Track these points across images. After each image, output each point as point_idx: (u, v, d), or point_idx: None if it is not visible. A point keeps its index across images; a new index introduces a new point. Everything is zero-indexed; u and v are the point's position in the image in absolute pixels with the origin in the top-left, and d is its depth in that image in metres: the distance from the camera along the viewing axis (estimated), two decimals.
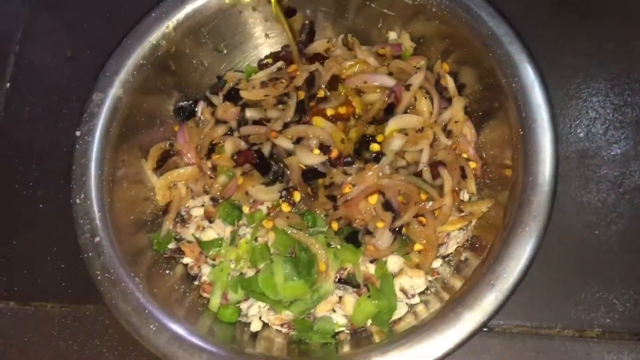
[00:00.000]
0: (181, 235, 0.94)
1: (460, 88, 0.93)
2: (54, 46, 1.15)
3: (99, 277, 0.83)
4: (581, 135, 0.98)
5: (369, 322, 0.87)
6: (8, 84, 1.14)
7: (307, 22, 0.99)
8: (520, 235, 0.76)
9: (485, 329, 0.89)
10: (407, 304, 0.86)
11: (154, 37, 0.93)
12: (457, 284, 0.84)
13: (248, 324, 0.89)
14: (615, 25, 1.02)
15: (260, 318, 0.89)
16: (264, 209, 0.90)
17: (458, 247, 0.89)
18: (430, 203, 0.84)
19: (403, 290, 0.86)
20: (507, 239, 0.77)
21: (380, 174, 0.83)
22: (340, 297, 0.87)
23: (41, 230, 1.05)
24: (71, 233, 0.85)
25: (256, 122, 0.93)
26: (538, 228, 0.76)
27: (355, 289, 0.87)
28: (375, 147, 0.85)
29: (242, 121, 0.94)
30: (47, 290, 1.03)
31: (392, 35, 0.98)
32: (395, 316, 0.85)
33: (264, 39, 1.02)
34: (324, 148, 0.87)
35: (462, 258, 0.88)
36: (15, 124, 1.12)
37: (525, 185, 0.78)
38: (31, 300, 1.02)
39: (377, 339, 0.83)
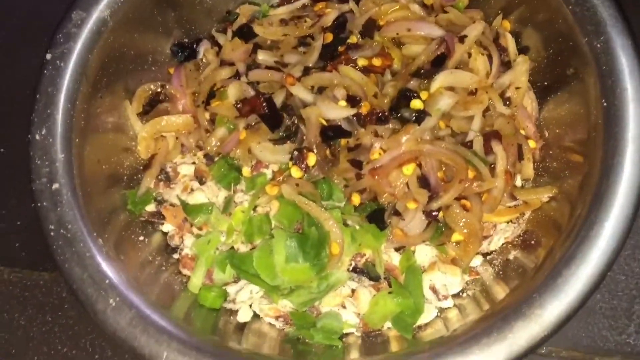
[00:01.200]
0: (163, 197, 0.78)
1: (522, 52, 0.77)
2: None
3: (52, 233, 0.66)
4: None
5: (388, 324, 0.69)
6: None
7: None
8: (596, 232, 0.60)
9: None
10: (436, 307, 0.69)
11: None
12: (499, 290, 0.67)
13: (235, 312, 0.72)
14: None
15: (250, 306, 0.72)
16: (268, 172, 0.73)
17: (505, 243, 0.72)
18: (478, 183, 0.67)
19: (433, 289, 0.69)
20: (579, 236, 0.60)
21: (420, 139, 0.66)
22: (353, 290, 0.71)
23: None
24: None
25: (270, 68, 0.76)
26: (621, 223, 0.59)
27: (373, 282, 0.70)
28: (417, 104, 0.68)
29: (253, 65, 0.77)
30: None
31: None
32: (421, 321, 0.69)
33: None
34: (353, 101, 0.70)
35: (510, 257, 0.71)
36: None
37: (607, 170, 0.61)
38: None
39: (395, 347, 0.67)
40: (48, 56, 0.72)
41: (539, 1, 0.72)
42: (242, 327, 0.71)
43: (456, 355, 0.58)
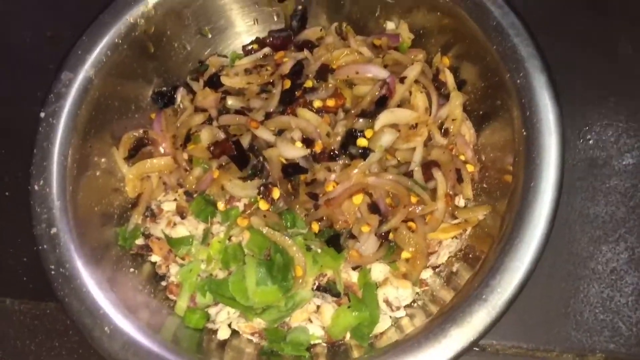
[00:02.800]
0: (150, 231, 0.87)
1: (460, 85, 0.86)
2: (33, 25, 1.08)
3: (53, 272, 0.75)
4: (591, 142, 0.90)
5: (348, 335, 0.79)
6: None
7: (299, 7, 0.92)
8: (517, 246, 0.68)
9: (476, 349, 0.82)
10: (390, 317, 0.79)
11: (132, 14, 0.85)
12: (448, 297, 0.76)
13: (216, 332, 0.81)
14: (634, 26, 0.94)
15: (229, 325, 0.81)
16: (240, 205, 0.82)
17: (450, 257, 0.82)
18: (421, 207, 0.77)
19: (387, 302, 0.78)
20: (504, 250, 0.69)
21: (368, 171, 0.76)
22: (318, 307, 0.80)
23: (5, 219, 0.98)
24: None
25: (238, 112, 0.85)
26: (538, 238, 0.68)
27: (335, 298, 0.79)
28: (362, 142, 0.77)
29: (223, 110, 0.87)
30: (6, 285, 0.96)
31: (390, 25, 0.90)
32: (377, 330, 0.78)
33: (253, 24, 0.95)
34: (308, 141, 0.79)
35: (454, 269, 0.80)
36: None
37: (526, 192, 0.70)
38: None
39: (355, 354, 0.76)
40: (42, 114, 0.81)
41: (470, 41, 0.81)
42: (223, 345, 0.80)
43: (406, 355, 0.67)
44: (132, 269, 0.84)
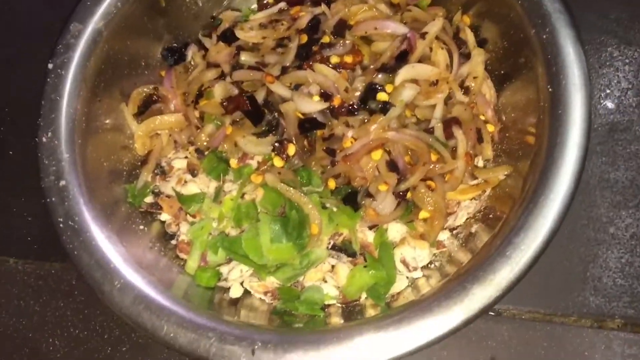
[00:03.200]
0: (160, 189, 0.85)
1: (481, 44, 0.83)
2: None
3: (61, 225, 0.73)
4: (611, 107, 0.88)
5: (364, 295, 0.77)
6: None
7: None
8: (542, 203, 0.66)
9: (492, 313, 0.80)
10: (407, 277, 0.77)
11: None
12: (465, 259, 0.74)
13: (228, 290, 0.79)
14: None
15: (241, 284, 0.79)
16: (253, 163, 0.80)
17: (469, 218, 0.80)
18: (441, 165, 0.75)
19: (404, 262, 0.76)
20: (527, 208, 0.67)
21: (387, 127, 0.74)
22: (333, 266, 0.78)
23: (9, 178, 0.96)
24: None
25: (252, 68, 0.83)
26: (563, 196, 0.66)
27: (350, 258, 0.77)
28: (383, 96, 0.75)
29: (236, 66, 0.84)
30: (10, 245, 0.94)
31: None
32: (394, 290, 0.76)
33: None
34: (326, 96, 0.77)
35: (473, 231, 0.78)
36: None
37: (552, 149, 0.68)
38: None
39: (370, 313, 0.74)
40: (50, 65, 0.79)
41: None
42: (235, 302, 0.78)
43: (420, 317, 0.65)
44: (141, 227, 0.82)
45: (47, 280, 0.91)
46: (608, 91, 0.88)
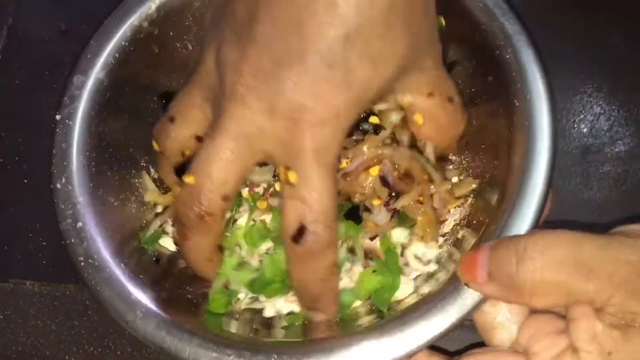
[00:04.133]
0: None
1: (451, 66, 0.91)
2: (48, 19, 1.14)
3: (82, 264, 0.79)
4: (585, 130, 0.96)
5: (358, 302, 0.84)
6: None
7: None
8: (519, 204, 0.73)
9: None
10: (422, 272, 0.85)
11: (136, 18, 0.89)
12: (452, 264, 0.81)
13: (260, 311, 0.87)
14: (624, 19, 1.02)
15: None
16: (260, 190, 0.87)
17: (455, 225, 0.87)
18: (432, 186, 0.82)
19: (417, 258, 0.83)
20: (506, 211, 0.74)
21: (381, 144, 0.81)
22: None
23: (24, 206, 1.04)
24: (54, 211, 0.82)
25: None
26: (538, 194, 0.73)
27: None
28: (374, 119, 0.82)
29: None
30: (26, 268, 1.01)
31: None
32: (398, 297, 0.83)
33: None
34: None
35: (459, 236, 0.85)
36: (4, 97, 1.11)
37: (523, 155, 0.76)
38: (9, 277, 1.01)
39: (365, 319, 0.81)
40: (58, 117, 0.85)
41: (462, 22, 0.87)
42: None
43: (418, 319, 0.72)
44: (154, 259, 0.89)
45: (62, 301, 0.98)
46: (581, 116, 0.97)
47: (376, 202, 0.81)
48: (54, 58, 1.11)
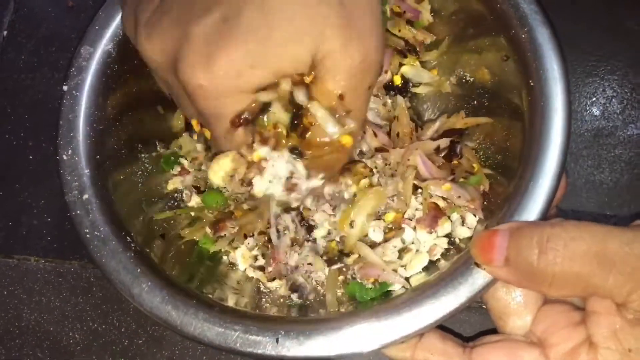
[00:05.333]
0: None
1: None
2: None
3: (87, 236, 0.78)
4: (597, 113, 0.96)
5: None
6: (5, 32, 1.12)
7: None
8: (533, 183, 0.72)
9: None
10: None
11: None
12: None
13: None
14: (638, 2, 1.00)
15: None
16: None
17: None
18: None
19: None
20: (519, 190, 0.73)
21: None
22: None
23: (29, 182, 1.03)
24: (60, 187, 0.81)
25: None
26: (553, 173, 0.72)
27: None
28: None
29: None
30: (31, 244, 1.01)
31: None
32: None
33: None
34: None
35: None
36: (10, 73, 1.10)
37: (537, 133, 0.75)
38: (14, 253, 1.00)
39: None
40: (65, 87, 0.84)
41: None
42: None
43: (428, 298, 0.71)
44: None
45: (67, 278, 0.98)
46: (594, 99, 0.96)
47: None
48: (61, 34, 1.10)
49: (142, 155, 0.91)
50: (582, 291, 0.63)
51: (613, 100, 0.94)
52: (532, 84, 0.77)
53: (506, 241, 0.65)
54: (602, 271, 0.60)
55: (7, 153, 1.05)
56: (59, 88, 0.84)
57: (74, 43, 0.86)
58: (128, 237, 0.79)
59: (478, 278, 0.70)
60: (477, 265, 0.69)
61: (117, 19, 0.86)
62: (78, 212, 0.79)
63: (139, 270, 0.76)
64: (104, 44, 0.86)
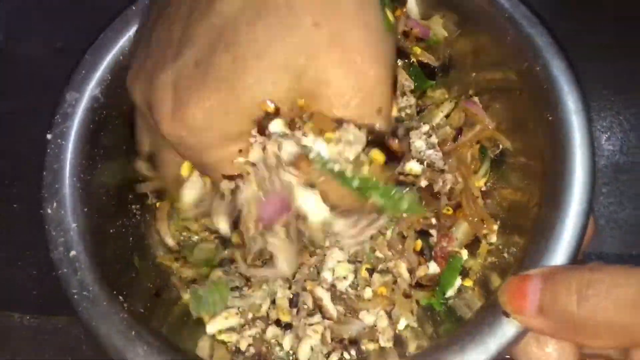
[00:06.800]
0: None
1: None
2: (44, 36, 1.08)
3: (75, 296, 0.71)
4: (614, 148, 0.91)
5: None
6: None
7: None
8: (558, 229, 0.67)
9: None
10: None
11: (133, 31, 0.83)
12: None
13: None
14: None
15: None
16: None
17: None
18: None
19: None
20: (543, 233, 0.68)
21: None
22: None
23: (13, 232, 0.97)
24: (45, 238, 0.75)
25: None
26: (578, 221, 0.67)
27: None
28: None
29: None
30: (15, 299, 0.94)
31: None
32: None
33: None
34: None
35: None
36: None
37: (559, 175, 0.70)
38: None
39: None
40: (49, 136, 0.78)
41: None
42: None
43: (455, 352, 0.65)
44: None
45: (54, 335, 0.92)
46: (609, 133, 0.92)
47: None
48: (49, 77, 1.03)
49: (133, 206, 0.85)
50: (627, 342, 0.57)
51: (630, 134, 0.91)
52: (550, 118, 0.73)
53: (539, 288, 0.60)
54: None
55: None
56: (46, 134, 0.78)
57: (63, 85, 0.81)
58: (120, 297, 0.72)
59: (508, 329, 0.64)
60: (506, 314, 0.63)
61: (106, 62, 0.81)
62: (65, 270, 0.73)
63: (133, 332, 0.70)
64: (91, 89, 0.81)
